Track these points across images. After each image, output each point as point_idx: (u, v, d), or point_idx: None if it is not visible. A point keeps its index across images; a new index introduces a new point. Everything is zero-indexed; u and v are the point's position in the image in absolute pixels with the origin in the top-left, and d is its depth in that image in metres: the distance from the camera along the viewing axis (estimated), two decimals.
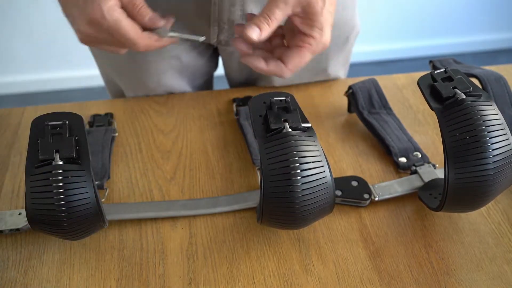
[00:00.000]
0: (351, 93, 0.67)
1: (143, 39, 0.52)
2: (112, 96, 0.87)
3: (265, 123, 0.47)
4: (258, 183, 0.58)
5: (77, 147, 0.45)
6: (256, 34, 0.50)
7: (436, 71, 0.49)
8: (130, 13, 0.52)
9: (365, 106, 0.66)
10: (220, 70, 0.84)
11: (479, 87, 0.48)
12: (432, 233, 0.53)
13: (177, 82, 0.76)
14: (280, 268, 0.49)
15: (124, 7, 0.51)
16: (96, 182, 0.55)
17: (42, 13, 1.88)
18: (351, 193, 0.55)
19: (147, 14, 0.52)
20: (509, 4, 2.27)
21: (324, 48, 0.53)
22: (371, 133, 0.65)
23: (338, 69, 0.78)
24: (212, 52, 0.79)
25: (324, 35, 0.52)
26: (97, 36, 0.52)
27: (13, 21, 1.89)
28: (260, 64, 0.54)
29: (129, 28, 0.51)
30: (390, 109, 0.67)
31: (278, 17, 0.50)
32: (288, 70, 0.53)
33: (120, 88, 0.81)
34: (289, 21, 0.54)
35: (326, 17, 0.51)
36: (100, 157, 0.60)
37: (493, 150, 0.43)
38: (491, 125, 0.44)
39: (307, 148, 0.44)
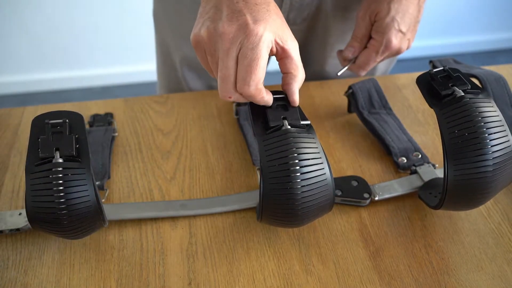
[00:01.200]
0: (351, 93, 0.67)
1: (260, 87, 0.45)
2: (160, 73, 0.89)
3: (264, 121, 0.47)
4: (258, 183, 0.58)
5: (77, 145, 0.45)
6: (351, 52, 0.66)
7: (434, 70, 0.49)
8: (291, 68, 0.48)
9: (365, 106, 0.66)
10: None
11: (477, 85, 0.48)
12: (432, 233, 0.53)
13: None
14: (280, 268, 0.49)
15: (286, 56, 0.47)
16: (96, 183, 0.55)
17: (42, 13, 1.88)
18: (351, 192, 0.55)
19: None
20: (509, 4, 2.27)
21: (388, 47, 0.63)
22: (371, 133, 0.65)
23: (383, 64, 0.82)
24: None
25: (384, 36, 0.62)
26: (213, 47, 0.46)
27: (13, 21, 1.89)
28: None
29: (264, 67, 0.44)
30: (390, 109, 0.67)
31: (364, 36, 0.65)
32: (357, 68, 0.66)
33: (172, 64, 0.83)
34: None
35: (389, 22, 0.62)
36: (100, 157, 0.60)
37: (492, 146, 0.43)
38: (490, 122, 0.44)
39: (306, 145, 0.44)
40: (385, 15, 0.62)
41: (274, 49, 0.46)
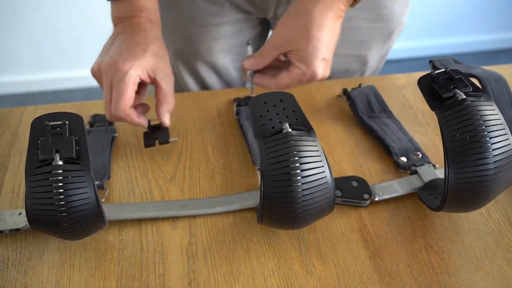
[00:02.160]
0: (350, 104, 0.68)
1: (128, 112, 0.55)
2: None
3: (265, 124, 0.47)
4: (258, 183, 0.58)
5: (77, 147, 0.44)
6: (249, 64, 0.62)
7: (436, 71, 0.49)
8: (160, 95, 0.58)
9: (364, 112, 0.66)
10: None
11: (479, 87, 0.48)
12: (432, 233, 0.53)
13: (223, 58, 0.82)
14: (280, 268, 0.49)
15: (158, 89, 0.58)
16: (96, 182, 0.55)
17: (42, 13, 1.88)
18: (351, 193, 0.55)
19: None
20: (509, 4, 2.27)
21: (312, 78, 0.59)
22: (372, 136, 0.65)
23: (374, 61, 0.82)
24: (262, 30, 0.84)
25: (310, 68, 0.57)
26: (103, 76, 0.57)
27: (13, 21, 1.89)
28: (253, 79, 0.64)
29: (130, 96, 0.55)
30: (390, 112, 0.67)
31: (268, 56, 0.60)
32: (275, 86, 0.61)
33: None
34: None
35: (313, 52, 0.57)
36: (100, 157, 0.60)
37: (493, 150, 0.43)
38: (491, 125, 0.44)
39: (307, 149, 0.44)
40: (305, 45, 0.56)
41: (148, 80, 0.57)
